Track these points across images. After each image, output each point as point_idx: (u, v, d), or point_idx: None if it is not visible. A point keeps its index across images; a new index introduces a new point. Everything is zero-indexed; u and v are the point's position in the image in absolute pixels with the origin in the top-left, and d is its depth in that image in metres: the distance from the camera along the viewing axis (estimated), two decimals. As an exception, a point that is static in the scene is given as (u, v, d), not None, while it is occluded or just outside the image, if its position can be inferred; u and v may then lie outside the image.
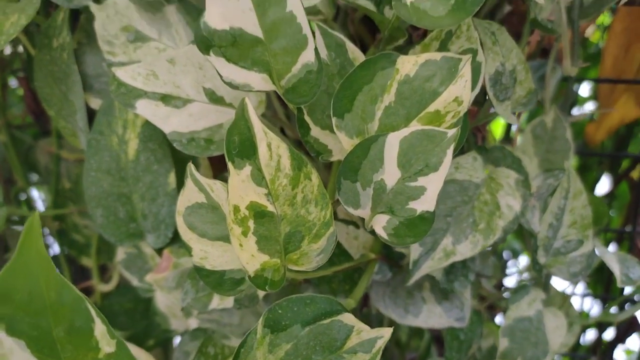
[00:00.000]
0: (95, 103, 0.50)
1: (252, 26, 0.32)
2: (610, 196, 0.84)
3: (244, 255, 0.30)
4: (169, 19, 0.45)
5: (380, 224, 0.33)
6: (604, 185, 0.87)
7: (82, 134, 0.50)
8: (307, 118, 0.37)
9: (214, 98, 0.42)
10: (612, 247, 0.79)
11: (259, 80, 0.34)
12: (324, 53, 0.36)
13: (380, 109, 0.33)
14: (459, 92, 0.32)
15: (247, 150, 0.28)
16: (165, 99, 0.41)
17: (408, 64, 0.32)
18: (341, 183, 0.33)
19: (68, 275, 0.62)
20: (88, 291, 0.58)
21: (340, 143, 0.39)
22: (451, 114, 0.32)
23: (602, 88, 0.73)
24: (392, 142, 0.32)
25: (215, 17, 0.32)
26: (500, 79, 0.38)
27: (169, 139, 0.41)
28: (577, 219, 0.46)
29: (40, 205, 0.73)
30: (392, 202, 0.32)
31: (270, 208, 0.30)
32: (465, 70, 0.32)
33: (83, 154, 0.50)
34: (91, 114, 0.49)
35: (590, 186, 0.82)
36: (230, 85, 0.34)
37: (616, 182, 0.82)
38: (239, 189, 0.29)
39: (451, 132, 0.31)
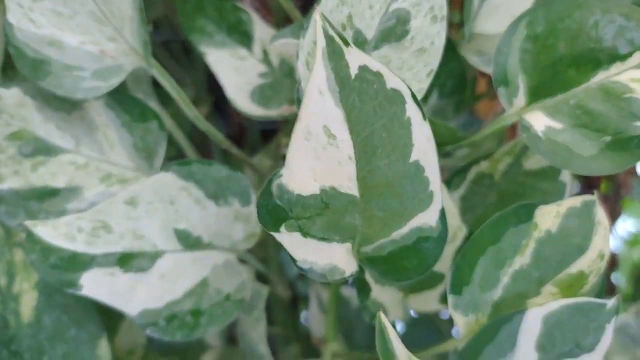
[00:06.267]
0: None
1: (347, 181, 0.20)
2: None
3: None
4: (92, 120, 0.29)
5: None
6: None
7: None
8: (368, 278, 0.26)
9: (190, 242, 0.28)
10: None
11: (343, 255, 0.22)
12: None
13: (507, 274, 0.24)
14: (601, 244, 0.25)
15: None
16: (125, 260, 0.26)
17: (549, 217, 0.24)
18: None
19: None
20: None
21: (396, 296, 0.29)
22: (594, 273, 0.25)
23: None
24: (532, 322, 0.24)
25: (302, 178, 0.19)
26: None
27: (138, 324, 0.26)
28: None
29: None
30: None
31: None
32: (600, 214, 0.25)
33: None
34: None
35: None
36: (311, 272, 0.21)
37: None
38: None
39: (611, 304, 0.24)
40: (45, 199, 0.28)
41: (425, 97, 0.31)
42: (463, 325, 0.24)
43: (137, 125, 0.30)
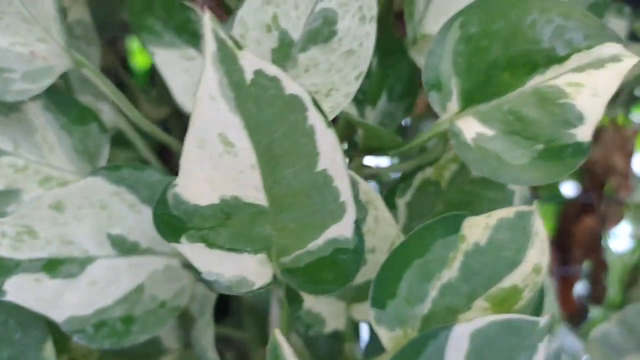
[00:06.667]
0: None
1: (254, 191, 0.20)
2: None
3: None
4: (31, 122, 0.28)
5: None
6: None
7: None
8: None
9: (126, 248, 0.27)
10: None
11: (254, 267, 0.21)
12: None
13: (435, 288, 0.23)
14: (537, 257, 0.23)
15: None
16: (51, 266, 0.25)
17: (477, 229, 0.23)
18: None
19: None
20: None
21: (336, 306, 0.28)
22: (529, 288, 0.24)
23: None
24: (459, 338, 0.22)
25: (198, 187, 0.19)
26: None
27: (65, 331, 0.26)
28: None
29: None
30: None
31: None
32: (539, 225, 0.24)
33: None
34: None
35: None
36: (216, 284, 0.20)
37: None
38: None
39: (544, 321, 0.23)
40: (-17, 202, 0.28)
41: (374, 100, 0.30)
42: (389, 340, 0.23)
43: (76, 128, 0.29)
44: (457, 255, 0.23)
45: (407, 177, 0.29)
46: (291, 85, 0.18)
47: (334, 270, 0.22)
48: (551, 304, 0.42)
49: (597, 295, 0.63)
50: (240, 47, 0.18)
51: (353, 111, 0.29)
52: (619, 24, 0.42)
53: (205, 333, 0.33)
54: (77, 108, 0.29)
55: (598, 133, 0.60)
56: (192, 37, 0.32)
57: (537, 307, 0.24)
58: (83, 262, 0.26)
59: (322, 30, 0.23)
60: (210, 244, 0.20)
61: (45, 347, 0.31)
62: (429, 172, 0.28)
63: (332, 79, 0.24)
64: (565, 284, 0.65)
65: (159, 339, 0.38)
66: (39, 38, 0.26)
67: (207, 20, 0.17)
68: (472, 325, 0.23)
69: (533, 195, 0.39)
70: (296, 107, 0.18)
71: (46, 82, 0.26)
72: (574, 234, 0.70)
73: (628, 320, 0.48)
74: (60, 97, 0.29)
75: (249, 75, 0.18)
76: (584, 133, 0.21)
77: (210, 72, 0.17)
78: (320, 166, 0.19)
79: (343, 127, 0.30)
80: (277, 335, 0.19)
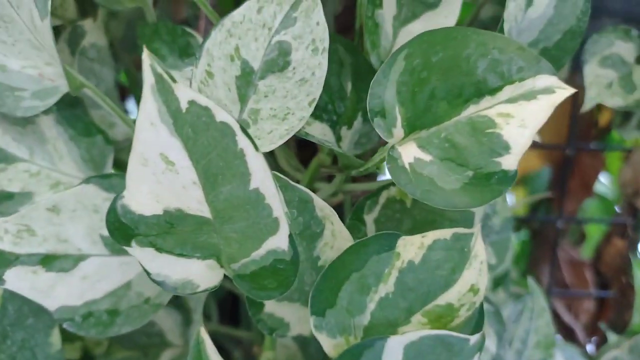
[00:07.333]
0: None
1: (197, 204, 0.22)
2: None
3: None
4: (44, 133, 0.33)
5: None
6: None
7: None
8: (259, 293, 0.27)
9: (117, 248, 0.31)
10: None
11: (203, 271, 0.24)
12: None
13: (373, 301, 0.25)
14: (475, 278, 0.25)
15: None
16: (48, 261, 0.29)
17: (412, 247, 0.24)
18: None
19: None
20: None
21: (302, 312, 0.30)
22: (466, 307, 0.25)
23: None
24: (394, 350, 0.24)
25: (142, 199, 0.21)
26: (487, 222, 0.31)
27: (56, 318, 0.29)
28: (541, 338, 0.42)
29: None
30: None
31: None
32: (479, 248, 0.25)
33: None
34: None
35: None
36: (164, 285, 0.23)
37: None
38: None
39: (474, 340, 0.24)
40: (2, 202, 0.32)
41: (350, 122, 0.32)
42: (331, 347, 0.25)
43: (82, 139, 0.33)
44: (392, 272, 0.24)
45: (373, 195, 0.30)
46: (220, 114, 0.21)
47: (275, 278, 0.24)
48: (547, 326, 0.42)
49: (620, 320, 0.62)
50: (174, 80, 0.20)
51: (328, 132, 0.31)
52: (626, 47, 0.42)
53: (195, 329, 0.36)
54: (83, 122, 0.33)
55: (628, 154, 0.58)
56: (193, 59, 0.35)
57: (476, 326, 0.26)
58: (76, 259, 0.30)
59: (278, 60, 0.25)
60: (159, 249, 0.23)
61: (52, 333, 0.35)
62: (393, 190, 0.30)
63: (288, 104, 0.26)
64: (602, 306, 0.64)
65: (163, 334, 0.42)
66: (47, 62, 0.30)
67: (145, 57, 0.20)
68: (406, 338, 0.24)
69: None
70: (226, 133, 0.21)
71: (52, 100, 0.30)
72: (603, 255, 0.69)
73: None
74: (69, 112, 0.33)
75: (184, 104, 0.20)
76: (509, 162, 0.23)
77: (149, 102, 0.20)
78: (253, 185, 0.22)
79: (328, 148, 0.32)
80: (202, 332, 0.21)
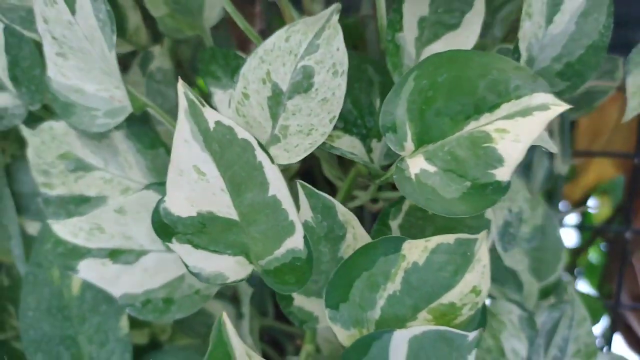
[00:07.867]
0: (33, 228, 0.42)
1: (226, 208, 0.26)
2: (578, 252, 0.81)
3: None
4: (116, 147, 0.38)
5: None
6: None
7: (20, 264, 0.42)
8: (289, 288, 0.31)
9: (174, 245, 0.35)
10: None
11: (233, 265, 0.28)
12: (308, 215, 0.30)
13: (382, 298, 0.28)
14: (477, 280, 0.27)
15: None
16: (114, 254, 0.34)
17: (416, 250, 0.27)
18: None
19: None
20: None
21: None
22: (468, 307, 0.27)
23: (578, 147, 0.71)
24: (400, 342, 0.27)
25: (180, 203, 0.25)
26: (508, 229, 0.33)
27: (120, 304, 0.34)
28: (581, 347, 0.42)
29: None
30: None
31: None
32: (482, 252, 0.27)
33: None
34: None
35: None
36: (199, 276, 0.27)
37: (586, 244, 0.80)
38: None
39: (472, 336, 0.26)
40: (80, 204, 0.38)
41: (380, 135, 0.35)
42: (345, 338, 0.28)
43: (148, 151, 0.38)
44: (398, 272, 0.27)
45: (397, 203, 0.33)
46: (242, 132, 0.24)
47: (294, 274, 0.27)
48: (588, 335, 0.43)
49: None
50: (204, 105, 0.24)
51: (358, 144, 0.34)
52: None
53: (241, 324, 0.40)
54: (149, 137, 0.38)
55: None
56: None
57: (479, 325, 0.27)
58: (138, 254, 0.35)
59: (303, 82, 0.29)
60: (195, 245, 0.27)
61: (122, 318, 0.41)
62: (414, 199, 0.32)
63: (312, 121, 0.29)
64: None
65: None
66: (115, 86, 0.35)
67: (180, 85, 0.24)
68: (410, 332, 0.27)
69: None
70: (247, 148, 0.24)
71: (120, 118, 0.35)
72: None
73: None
74: (137, 128, 0.38)
75: (211, 124, 0.24)
76: (502, 174, 0.24)
77: (183, 122, 0.24)
78: (271, 192, 0.25)
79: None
80: (224, 316, 0.25)
